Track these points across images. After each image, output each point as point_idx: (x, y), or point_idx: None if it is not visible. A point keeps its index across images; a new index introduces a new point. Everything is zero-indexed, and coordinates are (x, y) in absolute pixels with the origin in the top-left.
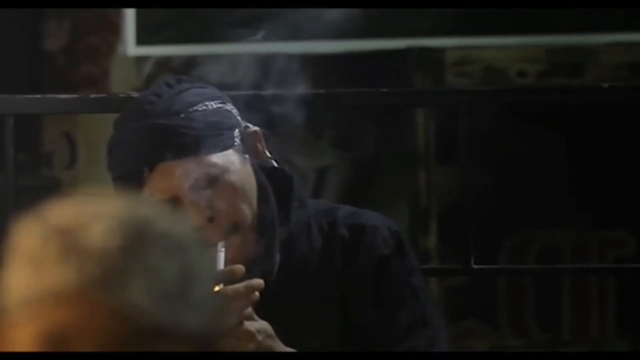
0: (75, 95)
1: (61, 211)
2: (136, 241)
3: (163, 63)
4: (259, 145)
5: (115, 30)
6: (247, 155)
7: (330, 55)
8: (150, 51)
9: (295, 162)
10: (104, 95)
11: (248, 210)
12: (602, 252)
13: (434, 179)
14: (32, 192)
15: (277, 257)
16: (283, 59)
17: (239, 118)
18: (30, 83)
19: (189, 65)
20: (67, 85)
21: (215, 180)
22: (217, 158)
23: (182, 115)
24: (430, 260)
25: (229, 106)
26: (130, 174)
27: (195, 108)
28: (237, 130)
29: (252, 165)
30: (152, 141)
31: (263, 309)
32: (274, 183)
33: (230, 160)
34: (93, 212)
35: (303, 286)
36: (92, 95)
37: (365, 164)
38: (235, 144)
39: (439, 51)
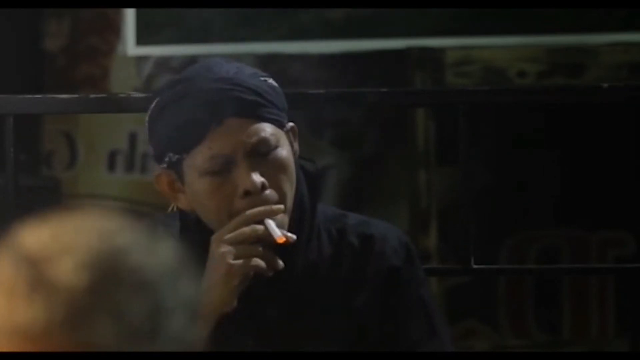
0: (75, 95)
1: (35, 238)
2: (105, 278)
3: (163, 63)
4: (296, 138)
5: (115, 30)
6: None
7: (330, 55)
8: (150, 51)
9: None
10: (104, 95)
11: (290, 194)
12: (602, 252)
13: (434, 179)
14: (32, 192)
15: (300, 255)
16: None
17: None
18: (30, 83)
19: (189, 65)
20: (67, 85)
21: (272, 149)
22: (278, 132)
23: (256, 80)
24: (430, 260)
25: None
26: (195, 122)
27: (264, 78)
28: (287, 119)
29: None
30: (227, 94)
31: (271, 309)
32: (307, 177)
33: (284, 140)
34: (65, 242)
35: (310, 292)
36: (92, 95)
37: (365, 164)
38: (286, 128)
39: (439, 51)
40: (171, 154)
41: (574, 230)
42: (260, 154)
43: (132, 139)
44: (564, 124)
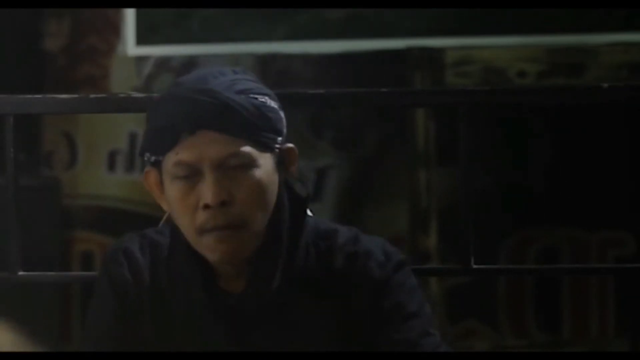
0: (75, 95)
1: None
2: None
3: (163, 63)
4: (294, 161)
5: (115, 30)
6: (278, 167)
7: (330, 55)
8: (150, 51)
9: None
10: (104, 95)
11: (260, 217)
12: (602, 252)
13: (434, 179)
14: (32, 192)
15: (278, 276)
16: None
17: (285, 130)
18: (30, 83)
19: (189, 65)
20: (67, 85)
21: (245, 169)
22: (255, 152)
23: (243, 96)
24: (430, 260)
25: (282, 115)
26: (169, 128)
27: (256, 96)
28: (280, 139)
29: (279, 180)
30: (205, 106)
31: (258, 327)
32: (291, 202)
33: (265, 162)
34: None
35: (297, 310)
36: (92, 95)
37: (365, 164)
38: (275, 151)
39: (439, 51)
40: (148, 154)
41: (574, 230)
42: (230, 169)
43: (132, 139)
44: (564, 124)
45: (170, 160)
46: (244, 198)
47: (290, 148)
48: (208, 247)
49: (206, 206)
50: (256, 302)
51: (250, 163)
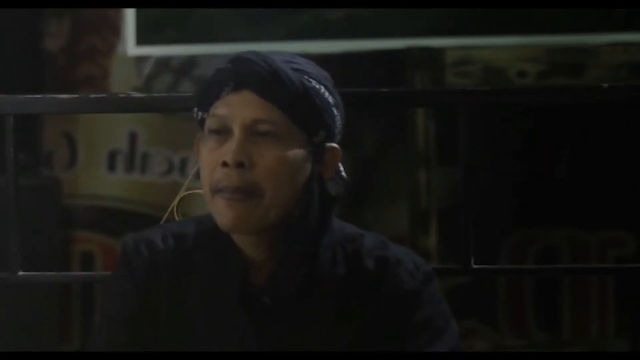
0: (75, 95)
1: None
2: None
3: (163, 63)
4: (333, 162)
5: (115, 30)
6: (314, 160)
7: (330, 55)
8: (150, 51)
9: None
10: (104, 95)
11: (277, 191)
12: (602, 252)
13: (434, 179)
14: (32, 192)
15: (302, 269)
16: None
17: (335, 128)
18: (30, 83)
19: (189, 65)
20: (67, 85)
21: (272, 139)
22: (288, 128)
23: (295, 73)
24: (430, 260)
25: (336, 113)
26: (215, 82)
27: (310, 80)
28: (323, 132)
29: (313, 173)
30: (254, 68)
31: (278, 323)
32: (321, 199)
33: (297, 144)
34: None
35: (321, 309)
36: (92, 95)
37: (365, 164)
38: (314, 140)
39: (439, 51)
40: (196, 109)
41: (574, 230)
42: (258, 134)
43: (132, 139)
44: (565, 124)
45: (210, 114)
46: (263, 166)
47: (334, 148)
48: (218, 210)
49: (224, 164)
50: (277, 297)
51: (279, 135)
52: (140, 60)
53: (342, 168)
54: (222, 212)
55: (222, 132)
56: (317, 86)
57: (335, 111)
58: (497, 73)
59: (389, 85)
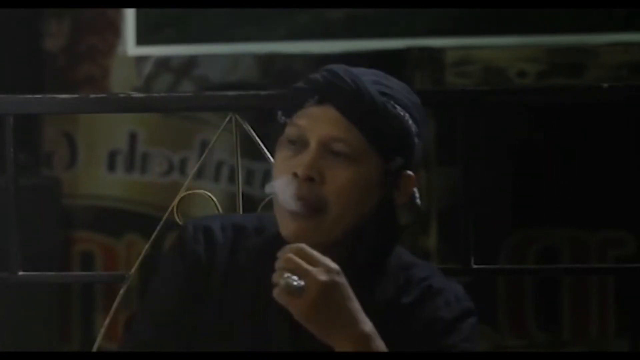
0: (75, 95)
1: None
2: None
3: (163, 63)
4: (407, 189)
5: (115, 30)
6: (387, 186)
7: (330, 55)
8: (150, 51)
9: None
10: (104, 95)
11: (341, 211)
12: (602, 252)
13: (434, 179)
14: (32, 192)
15: (355, 290)
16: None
17: (412, 158)
18: (30, 83)
19: (189, 65)
20: (67, 85)
21: (346, 160)
22: (365, 151)
23: (381, 96)
24: (430, 261)
25: (416, 141)
26: (301, 91)
27: (395, 105)
28: (400, 159)
29: (384, 198)
30: (341, 84)
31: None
32: (388, 225)
33: (372, 169)
34: None
35: None
36: (92, 95)
37: None
38: (390, 167)
39: (439, 51)
40: (280, 113)
41: (574, 230)
42: (333, 152)
43: (132, 139)
44: (565, 124)
45: (290, 122)
46: (333, 184)
47: (409, 175)
48: (282, 220)
49: (295, 175)
50: None
51: (354, 156)
52: (140, 60)
53: (417, 195)
54: (285, 223)
55: (299, 142)
56: (402, 113)
57: (416, 140)
58: (497, 73)
59: None
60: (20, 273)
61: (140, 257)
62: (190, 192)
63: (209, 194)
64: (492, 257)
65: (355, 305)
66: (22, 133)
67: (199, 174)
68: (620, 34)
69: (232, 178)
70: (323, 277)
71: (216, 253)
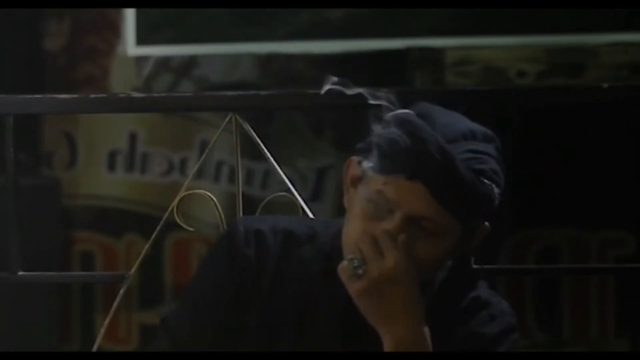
0: (75, 95)
1: None
2: None
3: (163, 63)
4: (478, 240)
5: (115, 30)
6: (463, 238)
7: (330, 55)
8: (150, 51)
9: (295, 162)
10: (104, 95)
11: (412, 281)
12: (602, 252)
13: None
14: (32, 192)
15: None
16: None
17: (490, 212)
18: (30, 83)
19: (189, 65)
20: (67, 85)
21: (430, 237)
22: (451, 227)
23: (474, 177)
24: None
25: (496, 198)
26: (395, 157)
27: (485, 181)
28: (479, 223)
29: (459, 248)
30: (436, 166)
31: (363, 343)
32: (459, 272)
33: (454, 236)
34: None
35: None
36: (92, 95)
37: None
38: (477, 228)
39: (439, 51)
40: (362, 161)
41: (574, 230)
42: (418, 227)
43: (132, 139)
44: (565, 124)
45: (377, 182)
46: (412, 253)
47: (486, 227)
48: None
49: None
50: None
51: (438, 232)
52: (140, 60)
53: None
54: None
55: (382, 207)
56: (490, 186)
57: (497, 198)
58: (497, 73)
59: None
60: (20, 273)
61: (140, 257)
62: (190, 192)
63: (209, 194)
64: (492, 257)
65: (414, 304)
66: (22, 133)
67: (199, 174)
68: (620, 34)
69: (232, 178)
70: (386, 264)
71: (267, 258)
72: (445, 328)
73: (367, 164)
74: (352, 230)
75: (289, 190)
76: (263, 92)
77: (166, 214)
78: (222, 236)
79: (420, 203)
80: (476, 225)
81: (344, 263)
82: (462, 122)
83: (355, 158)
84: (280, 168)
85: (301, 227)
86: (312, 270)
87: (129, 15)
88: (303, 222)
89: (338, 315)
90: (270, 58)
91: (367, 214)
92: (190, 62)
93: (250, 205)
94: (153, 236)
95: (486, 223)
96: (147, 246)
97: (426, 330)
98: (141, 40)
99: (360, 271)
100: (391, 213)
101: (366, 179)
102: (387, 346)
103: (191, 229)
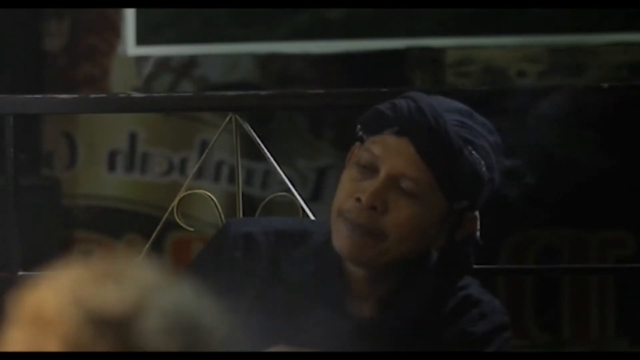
0: (75, 95)
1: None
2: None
3: (163, 63)
4: (467, 230)
5: (115, 30)
6: (450, 225)
7: (330, 55)
8: (150, 51)
9: (295, 162)
10: (104, 95)
11: (398, 242)
12: (602, 252)
13: None
14: (32, 192)
15: (404, 325)
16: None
17: (478, 202)
18: (30, 83)
19: (189, 65)
20: (67, 85)
21: (412, 197)
22: (433, 192)
23: (461, 143)
24: None
25: (487, 187)
26: (384, 117)
27: (473, 152)
28: (466, 203)
29: (443, 235)
30: (424, 123)
31: (366, 340)
32: (449, 264)
33: (436, 209)
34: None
35: (400, 328)
36: (92, 95)
37: None
38: (454, 209)
39: (439, 51)
40: (359, 127)
41: (574, 230)
42: (400, 187)
43: (132, 139)
44: (565, 124)
45: (365, 144)
46: (395, 218)
47: (472, 217)
48: (338, 235)
49: (358, 199)
50: (384, 330)
51: (420, 195)
52: (140, 60)
53: (478, 233)
54: (341, 238)
55: (369, 168)
56: (477, 160)
57: (485, 186)
58: (497, 73)
59: (389, 85)
60: (20, 273)
61: (140, 258)
62: (190, 192)
63: (209, 194)
64: (492, 257)
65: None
66: (22, 133)
67: (199, 174)
68: (620, 34)
69: (232, 178)
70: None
71: (257, 260)
72: (435, 327)
73: (359, 132)
74: (337, 197)
75: (289, 190)
76: (263, 92)
77: (166, 214)
78: (212, 239)
79: (404, 159)
80: (463, 207)
81: None
82: (462, 105)
83: (358, 143)
84: (280, 168)
85: (295, 227)
86: (306, 270)
87: (129, 15)
88: (297, 222)
89: (333, 313)
90: (270, 58)
91: (354, 176)
92: (190, 62)
93: (250, 205)
94: (153, 236)
95: (475, 212)
96: (147, 246)
97: None
98: (141, 40)
99: None
100: (376, 173)
101: (359, 147)
102: None
103: (191, 229)
